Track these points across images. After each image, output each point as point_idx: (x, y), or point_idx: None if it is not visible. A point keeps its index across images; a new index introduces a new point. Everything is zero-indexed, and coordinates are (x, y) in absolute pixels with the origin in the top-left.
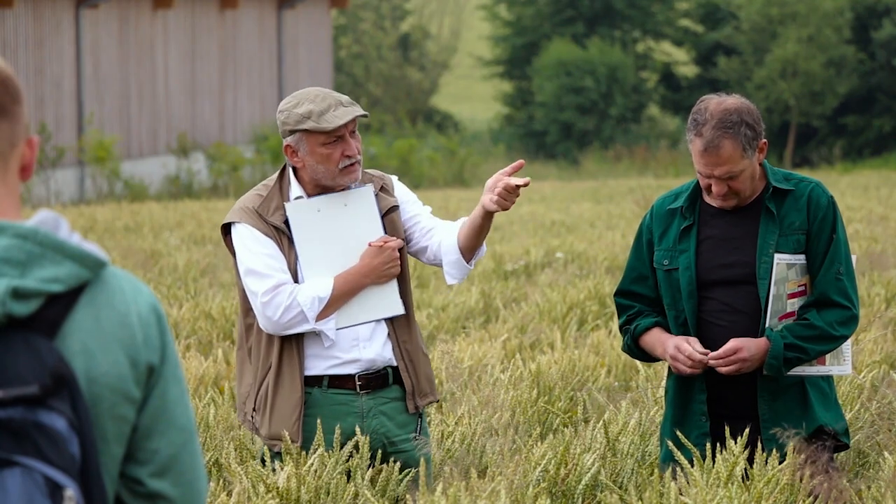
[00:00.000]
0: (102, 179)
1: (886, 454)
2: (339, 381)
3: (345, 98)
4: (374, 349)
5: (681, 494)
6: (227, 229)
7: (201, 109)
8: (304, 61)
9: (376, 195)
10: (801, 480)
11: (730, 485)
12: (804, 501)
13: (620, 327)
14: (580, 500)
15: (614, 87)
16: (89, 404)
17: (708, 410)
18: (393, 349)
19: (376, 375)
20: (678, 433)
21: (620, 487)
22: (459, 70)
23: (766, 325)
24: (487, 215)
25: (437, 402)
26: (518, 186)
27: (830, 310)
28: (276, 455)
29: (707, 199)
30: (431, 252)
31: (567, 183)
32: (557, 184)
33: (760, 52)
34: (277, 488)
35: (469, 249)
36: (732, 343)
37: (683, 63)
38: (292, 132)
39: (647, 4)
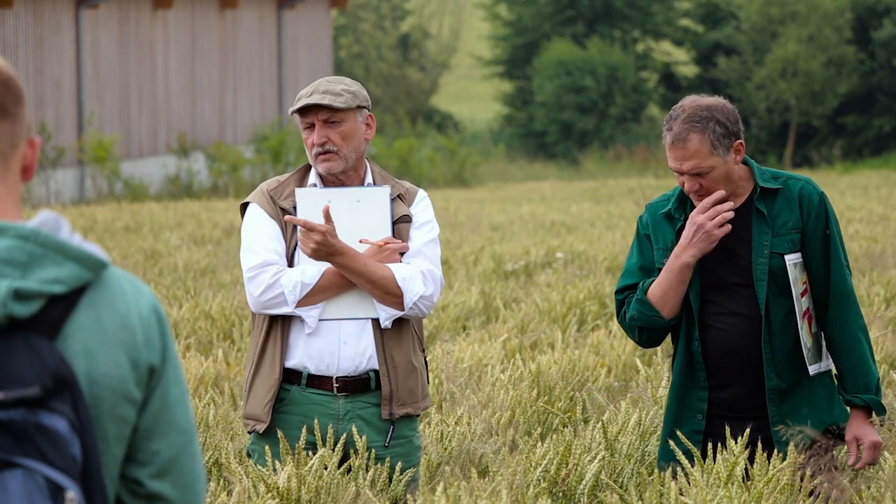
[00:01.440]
0: (102, 179)
1: (886, 454)
2: (318, 382)
3: (339, 87)
4: (356, 349)
5: (681, 494)
6: (243, 211)
7: (201, 109)
8: (304, 61)
9: (392, 200)
10: (801, 480)
11: (730, 485)
12: (804, 501)
13: (619, 308)
14: (581, 500)
15: (614, 87)
16: (90, 405)
17: (710, 411)
18: (377, 353)
19: (355, 379)
20: (678, 433)
21: (621, 487)
22: (459, 70)
23: (798, 327)
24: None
25: (418, 416)
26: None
27: (851, 311)
28: (253, 437)
29: (694, 200)
30: None
31: (567, 183)
32: (557, 184)
33: (760, 51)
34: (277, 488)
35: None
36: (871, 444)
37: (683, 63)
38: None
39: (646, 4)
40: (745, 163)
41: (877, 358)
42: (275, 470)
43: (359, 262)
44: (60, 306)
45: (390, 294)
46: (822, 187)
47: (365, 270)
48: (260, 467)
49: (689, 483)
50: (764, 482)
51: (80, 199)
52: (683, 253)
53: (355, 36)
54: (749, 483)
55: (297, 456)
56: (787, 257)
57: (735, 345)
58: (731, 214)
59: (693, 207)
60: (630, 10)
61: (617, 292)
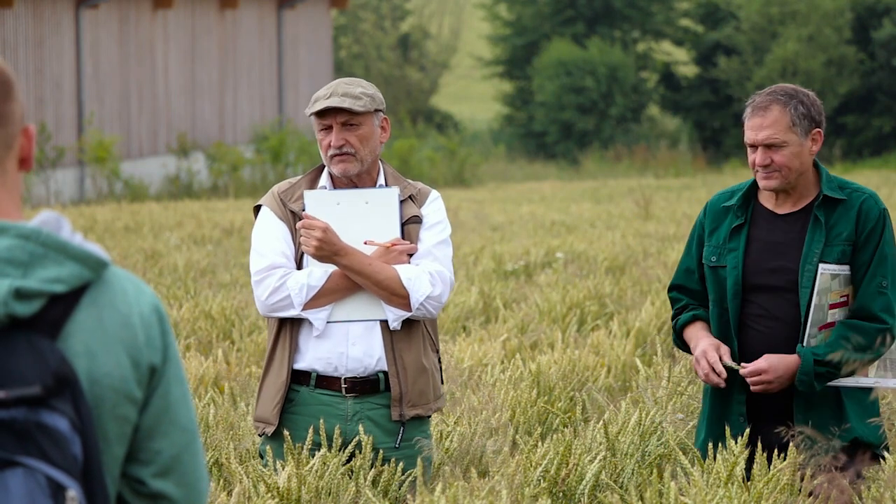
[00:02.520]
0: (102, 179)
1: (886, 454)
2: (327, 382)
3: (358, 90)
4: (363, 349)
5: (681, 495)
6: (257, 214)
7: (201, 109)
8: (304, 61)
9: (402, 202)
10: (801, 480)
11: (730, 485)
12: (804, 502)
13: (672, 304)
14: (581, 500)
15: (614, 87)
16: (91, 405)
17: (748, 412)
18: (386, 354)
19: (364, 380)
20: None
21: (621, 487)
22: (459, 70)
23: (806, 334)
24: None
25: (428, 417)
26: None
27: (868, 323)
28: (263, 438)
29: (759, 181)
30: None
31: (567, 183)
32: (557, 184)
33: (760, 51)
34: (278, 488)
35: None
36: (762, 363)
37: (683, 63)
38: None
39: (646, 4)
40: (815, 167)
41: None
42: (275, 470)
43: (363, 262)
44: (61, 305)
45: (396, 295)
46: None
47: (369, 271)
48: (261, 467)
49: (689, 483)
50: (764, 482)
51: (80, 199)
52: (694, 353)
53: (355, 36)
54: (749, 483)
55: (297, 456)
56: (822, 265)
57: (772, 349)
58: (720, 383)
59: (759, 207)
60: (630, 10)
61: (669, 289)
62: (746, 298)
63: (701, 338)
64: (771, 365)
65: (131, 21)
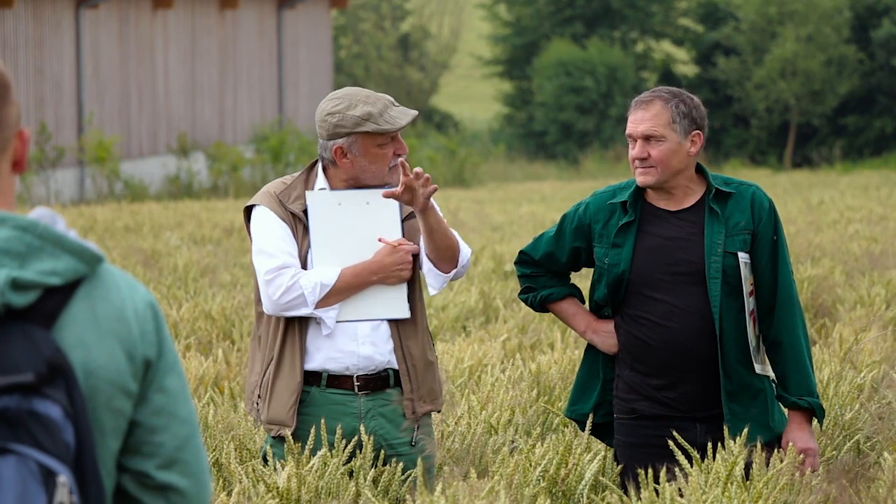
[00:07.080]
0: (102, 179)
1: (886, 454)
2: (338, 382)
3: (390, 97)
4: (373, 348)
5: (680, 495)
6: (248, 213)
7: (201, 109)
8: (304, 61)
9: None
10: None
11: (728, 485)
12: (804, 501)
13: (523, 284)
14: (581, 500)
15: (614, 86)
16: (87, 396)
17: (654, 412)
18: (395, 352)
19: (375, 377)
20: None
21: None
22: (459, 70)
23: (746, 326)
24: (421, 216)
25: (438, 412)
26: (415, 176)
27: (796, 315)
28: (275, 440)
29: (636, 177)
30: (422, 264)
31: (567, 183)
32: (557, 184)
33: (760, 51)
34: (277, 488)
35: (433, 253)
36: (799, 448)
37: (683, 63)
38: (348, 134)
39: (646, 4)
40: (698, 169)
41: (877, 358)
42: (275, 469)
43: (439, 218)
44: (56, 297)
45: (454, 257)
46: (822, 187)
47: (446, 227)
48: (261, 467)
49: (687, 483)
50: (763, 482)
51: (80, 199)
52: (592, 338)
53: (355, 36)
54: (748, 483)
55: (297, 456)
56: (739, 255)
57: (687, 343)
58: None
59: (648, 206)
60: (629, 9)
61: (519, 262)
62: (653, 297)
63: (591, 322)
64: (805, 447)
65: (131, 21)
